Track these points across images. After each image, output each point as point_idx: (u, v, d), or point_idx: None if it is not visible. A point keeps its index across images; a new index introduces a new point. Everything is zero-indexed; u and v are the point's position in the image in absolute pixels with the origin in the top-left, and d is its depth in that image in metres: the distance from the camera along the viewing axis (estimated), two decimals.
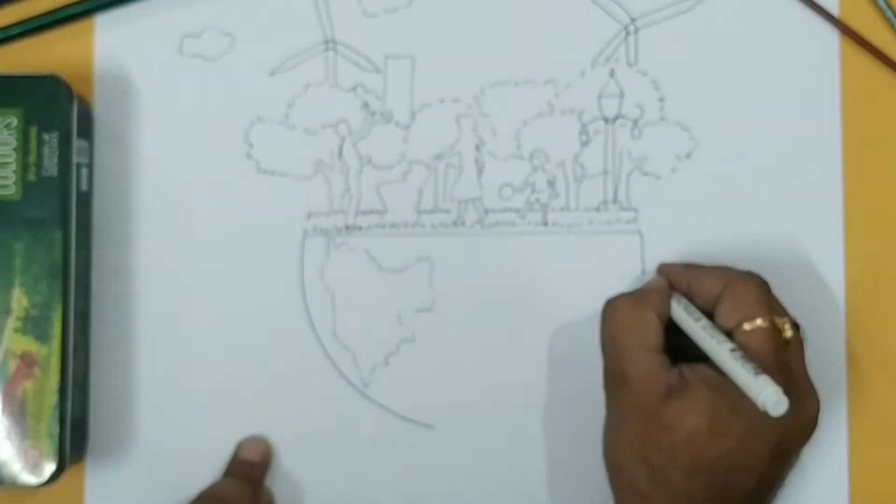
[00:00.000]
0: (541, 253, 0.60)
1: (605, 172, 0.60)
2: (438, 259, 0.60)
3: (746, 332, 0.53)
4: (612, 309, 0.56)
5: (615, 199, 0.60)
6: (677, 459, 0.53)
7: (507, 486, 0.59)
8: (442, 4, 0.60)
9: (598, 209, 0.60)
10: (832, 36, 0.61)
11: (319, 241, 0.60)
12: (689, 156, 0.60)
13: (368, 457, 0.60)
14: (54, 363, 0.55)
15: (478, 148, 0.60)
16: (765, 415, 0.50)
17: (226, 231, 0.60)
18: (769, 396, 0.50)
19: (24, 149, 0.56)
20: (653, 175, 0.60)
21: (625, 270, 0.60)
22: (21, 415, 0.55)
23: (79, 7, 0.60)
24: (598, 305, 0.57)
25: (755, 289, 0.55)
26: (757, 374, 0.51)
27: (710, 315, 0.55)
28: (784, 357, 0.53)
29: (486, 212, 0.60)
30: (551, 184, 0.60)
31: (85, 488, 0.59)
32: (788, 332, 0.54)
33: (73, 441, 0.56)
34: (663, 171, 0.60)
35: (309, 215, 0.60)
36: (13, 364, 0.55)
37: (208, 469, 0.59)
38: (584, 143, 0.60)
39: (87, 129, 0.59)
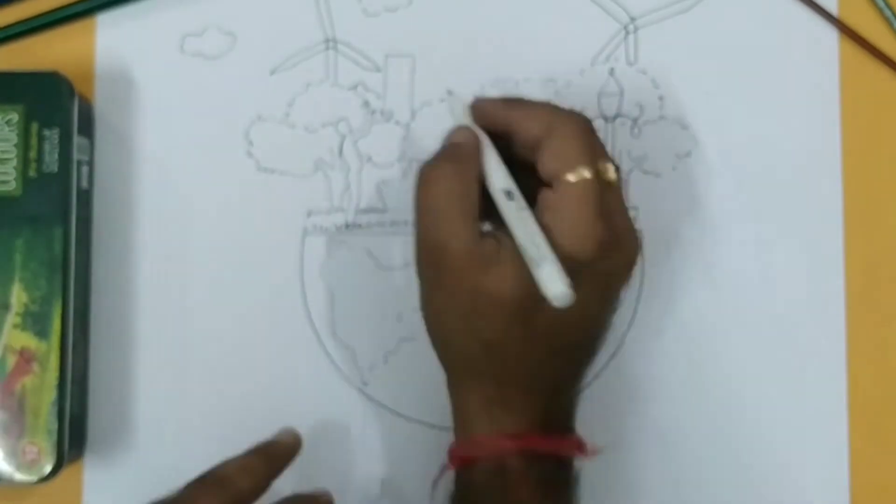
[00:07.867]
0: None
1: None
2: None
3: (569, 182, 0.51)
4: (433, 175, 0.52)
5: None
6: (510, 330, 0.51)
7: None
8: (442, 4, 0.61)
9: None
10: (832, 36, 0.61)
11: (319, 239, 0.60)
12: (688, 154, 0.60)
13: (368, 456, 0.59)
14: (53, 359, 0.55)
15: None
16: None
17: (226, 229, 0.60)
18: (553, 289, 0.49)
19: (24, 145, 0.56)
20: (653, 173, 0.60)
21: None
22: (19, 411, 0.55)
23: (80, 6, 0.60)
24: None
25: (579, 134, 0.51)
26: (546, 259, 0.49)
27: (530, 159, 0.52)
28: (606, 204, 0.51)
29: None
30: None
31: (83, 485, 0.59)
32: (611, 175, 0.52)
33: (71, 438, 0.56)
34: (663, 169, 0.60)
35: (309, 213, 0.60)
36: (12, 360, 0.55)
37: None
38: None
39: (87, 127, 0.59)
